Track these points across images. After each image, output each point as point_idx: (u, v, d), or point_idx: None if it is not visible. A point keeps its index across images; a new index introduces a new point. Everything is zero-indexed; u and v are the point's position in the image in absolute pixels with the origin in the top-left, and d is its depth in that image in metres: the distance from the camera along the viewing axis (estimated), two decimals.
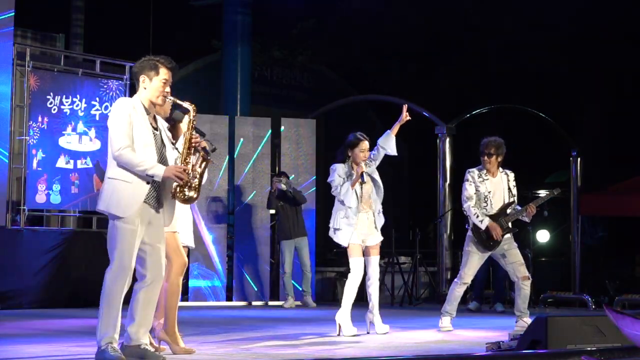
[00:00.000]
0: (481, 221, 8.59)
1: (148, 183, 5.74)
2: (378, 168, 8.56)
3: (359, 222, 8.18)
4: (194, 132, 6.04)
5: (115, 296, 5.66)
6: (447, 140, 13.69)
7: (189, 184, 5.92)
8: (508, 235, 8.72)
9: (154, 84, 5.85)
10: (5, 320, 9.57)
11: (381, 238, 8.38)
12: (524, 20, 16.30)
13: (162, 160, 5.85)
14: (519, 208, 8.78)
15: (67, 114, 11.97)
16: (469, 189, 8.71)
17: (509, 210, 8.73)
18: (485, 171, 8.74)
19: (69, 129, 11.93)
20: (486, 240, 8.63)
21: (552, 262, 14.76)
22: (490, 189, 8.71)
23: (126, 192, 5.69)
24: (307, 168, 13.24)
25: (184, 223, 6.75)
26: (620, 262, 14.51)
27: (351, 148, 8.32)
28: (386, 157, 8.67)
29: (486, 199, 8.70)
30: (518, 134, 17.75)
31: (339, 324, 8.19)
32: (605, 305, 5.25)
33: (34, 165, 11.66)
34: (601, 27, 15.92)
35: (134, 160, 5.67)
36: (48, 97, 11.85)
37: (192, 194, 5.96)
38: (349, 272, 8.27)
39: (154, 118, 5.93)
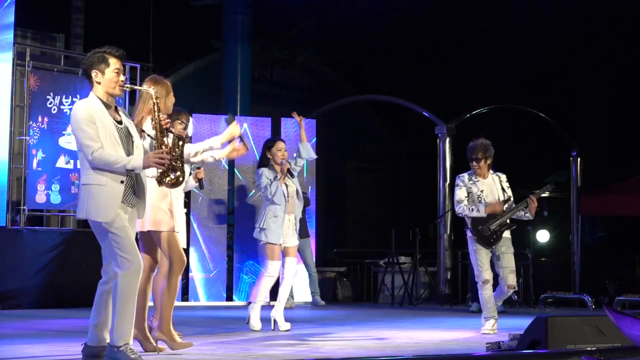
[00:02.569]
0: (478, 210, 8.45)
1: (122, 182, 5.62)
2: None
3: (283, 223, 8.45)
4: (162, 117, 5.90)
5: (133, 296, 5.60)
6: (447, 140, 13.69)
7: (172, 166, 5.82)
8: (507, 235, 8.59)
9: (107, 76, 5.70)
10: (5, 320, 9.58)
11: (297, 242, 8.68)
12: (524, 19, 16.29)
13: (129, 155, 5.69)
14: (514, 205, 8.61)
15: (67, 114, 11.96)
16: (459, 193, 8.58)
17: (505, 207, 8.58)
18: (475, 175, 8.63)
19: (69, 129, 11.92)
20: (488, 236, 8.47)
21: (552, 262, 14.76)
22: (483, 188, 8.57)
23: (102, 196, 5.57)
24: (307, 168, 13.23)
25: (181, 224, 6.75)
26: (620, 262, 14.52)
27: (268, 149, 8.61)
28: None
29: (479, 199, 8.53)
30: (518, 134, 17.77)
31: (249, 316, 8.51)
32: (605, 305, 5.25)
33: (34, 165, 11.67)
34: (601, 26, 15.92)
35: (110, 158, 5.55)
36: (48, 97, 11.86)
37: (178, 175, 5.86)
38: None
39: (116, 110, 5.78)
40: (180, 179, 5.89)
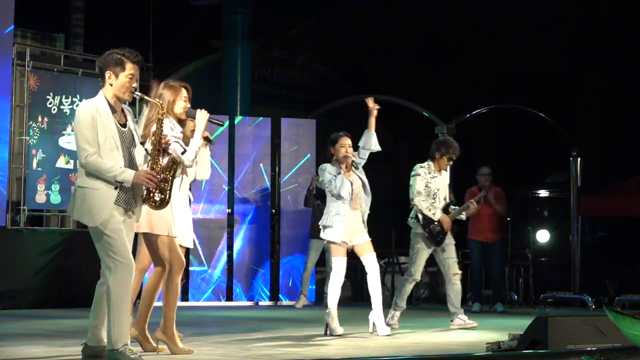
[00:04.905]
0: (434, 214, 8.95)
1: (116, 188, 5.61)
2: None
3: (348, 221, 8.20)
4: (163, 135, 5.95)
5: (127, 298, 5.59)
6: None
7: (159, 188, 5.86)
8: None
9: (120, 80, 5.69)
10: (5, 320, 9.57)
11: (368, 238, 8.35)
12: (524, 20, 16.29)
13: (131, 159, 5.72)
14: (457, 208, 9.21)
15: (67, 114, 11.96)
16: (419, 184, 9.01)
17: (450, 208, 9.13)
18: (434, 169, 9.07)
19: (69, 129, 11.92)
20: (437, 234, 8.99)
21: (552, 262, 14.74)
22: (439, 186, 9.08)
23: (95, 200, 5.57)
24: (307, 168, 13.22)
25: (184, 224, 6.74)
26: (620, 262, 14.50)
27: (332, 145, 8.42)
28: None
29: (435, 196, 9.03)
30: (518, 134, 17.77)
31: (326, 324, 8.21)
32: (605, 306, 5.24)
33: (34, 165, 11.66)
34: (601, 26, 15.92)
35: (103, 166, 5.55)
36: (48, 97, 11.85)
37: (163, 197, 5.91)
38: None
39: (123, 112, 5.77)
40: (165, 202, 5.94)
